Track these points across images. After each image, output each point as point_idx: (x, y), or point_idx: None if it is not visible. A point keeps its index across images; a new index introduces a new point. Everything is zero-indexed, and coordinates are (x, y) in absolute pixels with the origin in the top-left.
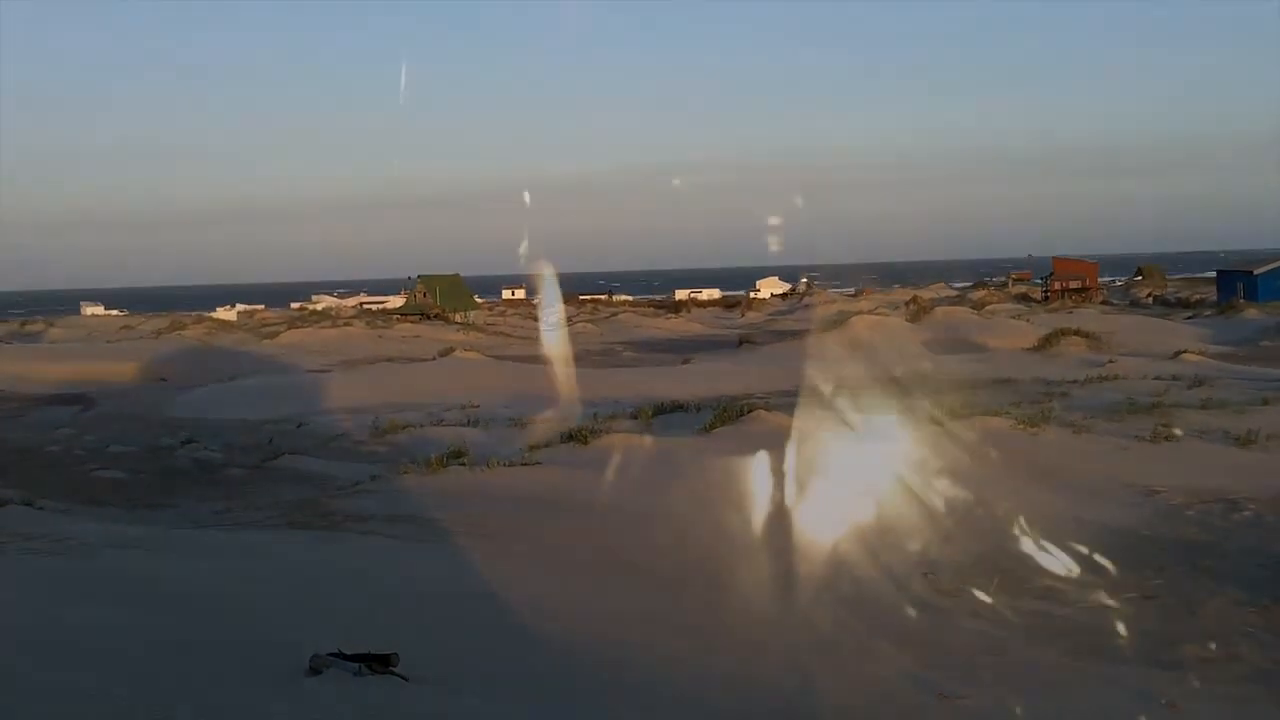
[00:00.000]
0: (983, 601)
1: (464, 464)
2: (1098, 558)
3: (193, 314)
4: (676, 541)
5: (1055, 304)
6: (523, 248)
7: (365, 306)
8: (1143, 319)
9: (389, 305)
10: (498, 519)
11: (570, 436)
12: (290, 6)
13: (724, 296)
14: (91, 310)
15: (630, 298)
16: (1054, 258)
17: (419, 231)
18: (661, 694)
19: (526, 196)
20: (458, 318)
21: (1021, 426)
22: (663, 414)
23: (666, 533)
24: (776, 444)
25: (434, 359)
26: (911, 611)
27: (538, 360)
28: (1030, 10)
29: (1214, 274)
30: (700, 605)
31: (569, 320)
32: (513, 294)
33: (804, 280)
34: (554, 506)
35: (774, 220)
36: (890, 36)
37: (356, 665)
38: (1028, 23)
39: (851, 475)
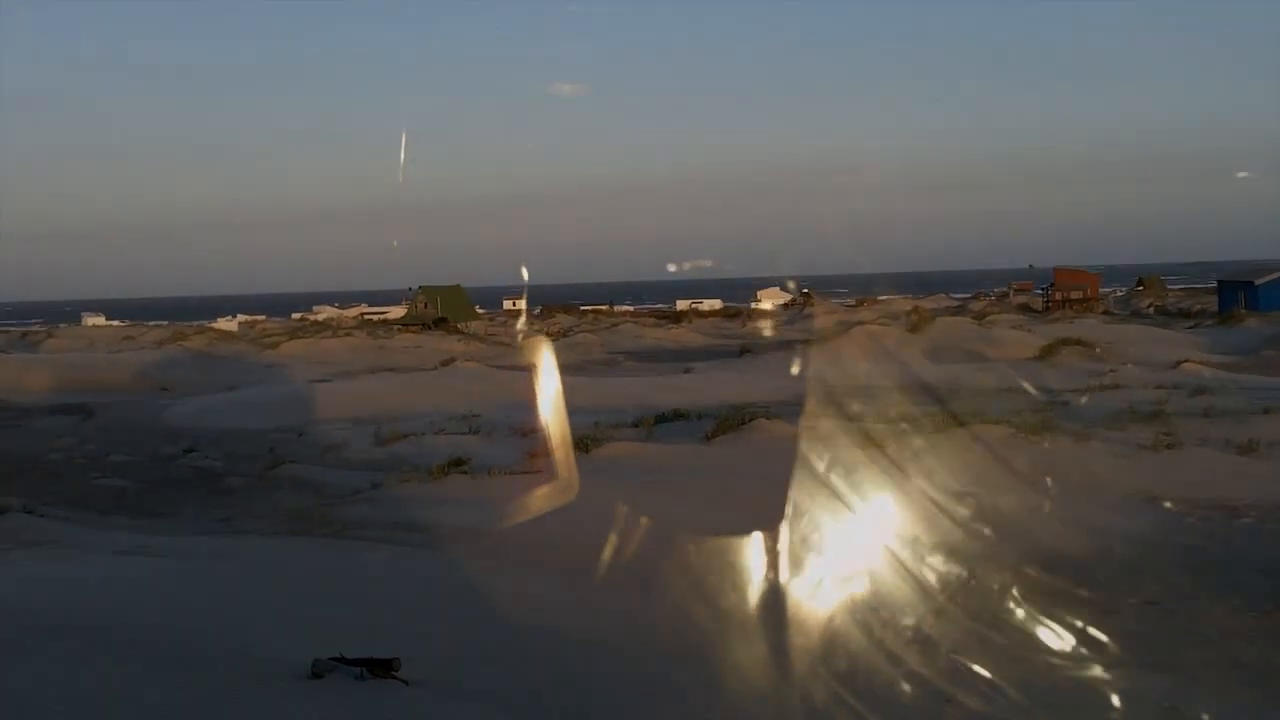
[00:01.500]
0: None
1: (465, 472)
2: (1099, 564)
3: (194, 324)
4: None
5: (1056, 314)
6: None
7: (366, 317)
8: (1144, 329)
9: (390, 316)
10: (499, 526)
11: (572, 444)
12: (292, 12)
13: (725, 307)
14: (92, 320)
15: (631, 308)
16: (1055, 268)
17: (421, 242)
18: (663, 705)
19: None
20: (459, 328)
21: (1022, 435)
22: (664, 422)
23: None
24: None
25: (435, 369)
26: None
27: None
28: (1034, 14)
29: (1215, 284)
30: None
31: (569, 331)
32: (514, 304)
33: (804, 290)
34: (555, 514)
35: (773, 231)
36: (891, 41)
37: (358, 670)
38: (1031, 28)
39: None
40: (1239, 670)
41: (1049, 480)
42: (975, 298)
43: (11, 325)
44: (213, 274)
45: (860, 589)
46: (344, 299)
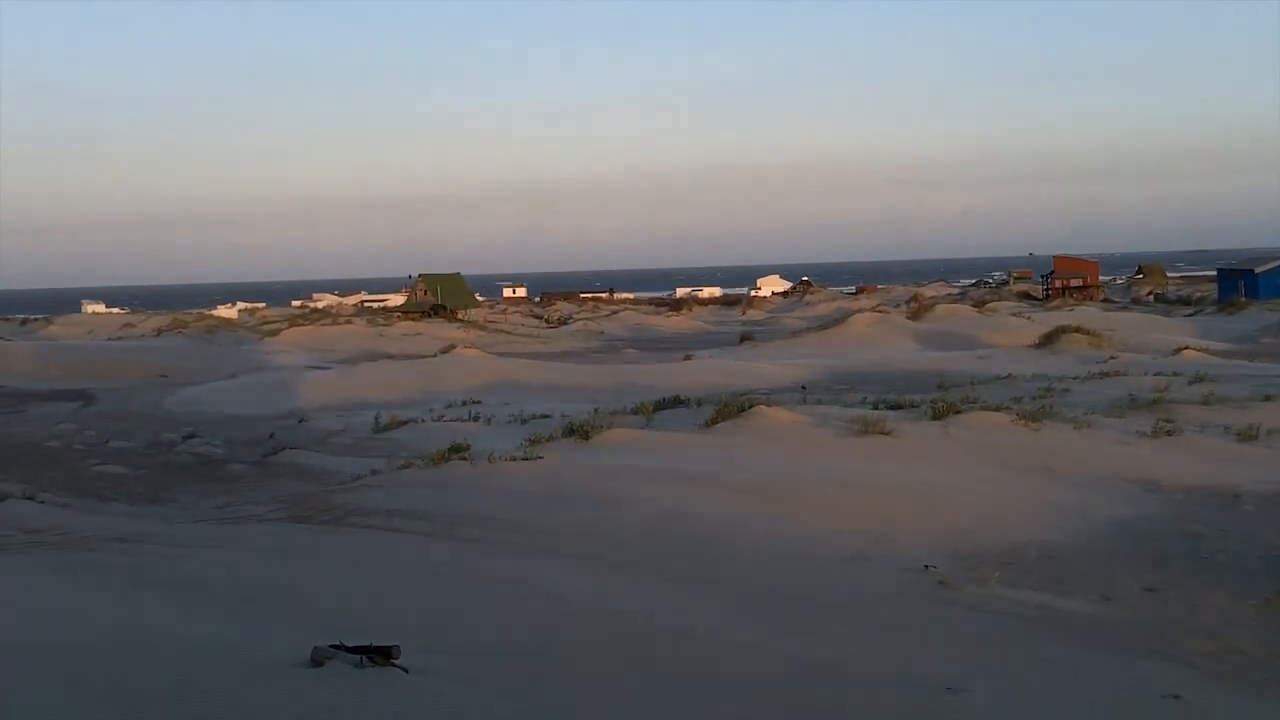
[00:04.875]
0: (990, 588)
1: (465, 458)
2: (1098, 551)
3: (194, 312)
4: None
5: (1056, 302)
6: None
7: (366, 304)
8: (1144, 316)
9: (389, 303)
10: (499, 512)
11: (571, 431)
12: (293, 6)
13: (724, 295)
14: (92, 308)
15: (631, 296)
16: (1055, 256)
17: (420, 230)
18: (661, 693)
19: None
20: (459, 315)
21: (1022, 422)
22: (664, 409)
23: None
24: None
25: (435, 356)
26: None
27: (539, 356)
28: (1033, 14)
29: (1215, 272)
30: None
31: (569, 319)
32: (513, 292)
33: (803, 278)
34: (555, 499)
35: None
36: (891, 38)
37: (358, 657)
38: (1029, 26)
39: (855, 472)
40: (1240, 658)
41: (1049, 467)
42: (975, 285)
43: (13, 311)
44: (213, 262)
45: (868, 565)
46: (344, 287)
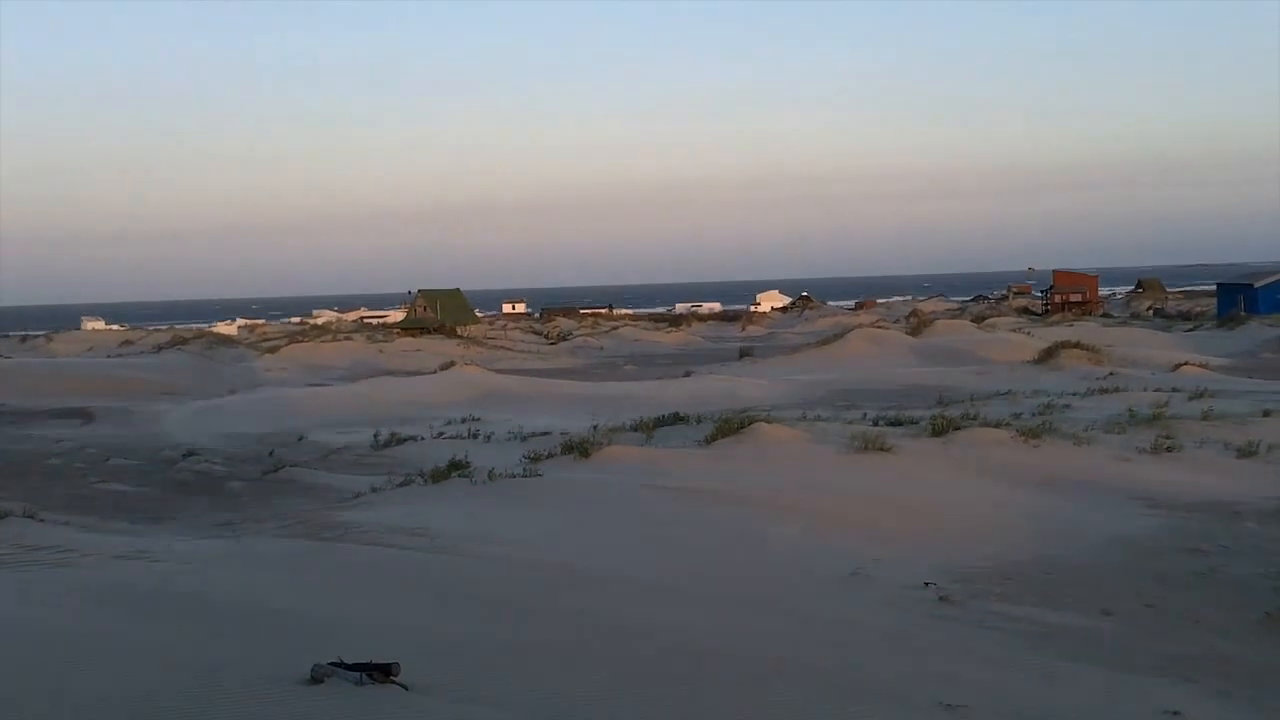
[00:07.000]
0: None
1: (465, 475)
2: (1098, 566)
3: (193, 328)
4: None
5: (1056, 317)
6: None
7: (365, 320)
8: (1143, 331)
9: (389, 319)
10: (499, 529)
11: (571, 448)
12: (292, 18)
13: (724, 310)
14: (92, 325)
15: (630, 311)
16: (1054, 271)
17: (419, 245)
18: (661, 708)
19: None
20: (458, 332)
21: (1022, 439)
22: (664, 425)
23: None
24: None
25: (435, 372)
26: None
27: (538, 373)
28: (1033, 22)
29: (1214, 287)
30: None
31: (568, 335)
32: (513, 308)
33: (803, 294)
34: (554, 516)
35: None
36: (892, 48)
37: (358, 674)
38: (1030, 34)
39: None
40: (1240, 674)
41: (1049, 484)
42: (974, 300)
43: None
44: (212, 278)
45: (865, 577)
46: (343, 303)
